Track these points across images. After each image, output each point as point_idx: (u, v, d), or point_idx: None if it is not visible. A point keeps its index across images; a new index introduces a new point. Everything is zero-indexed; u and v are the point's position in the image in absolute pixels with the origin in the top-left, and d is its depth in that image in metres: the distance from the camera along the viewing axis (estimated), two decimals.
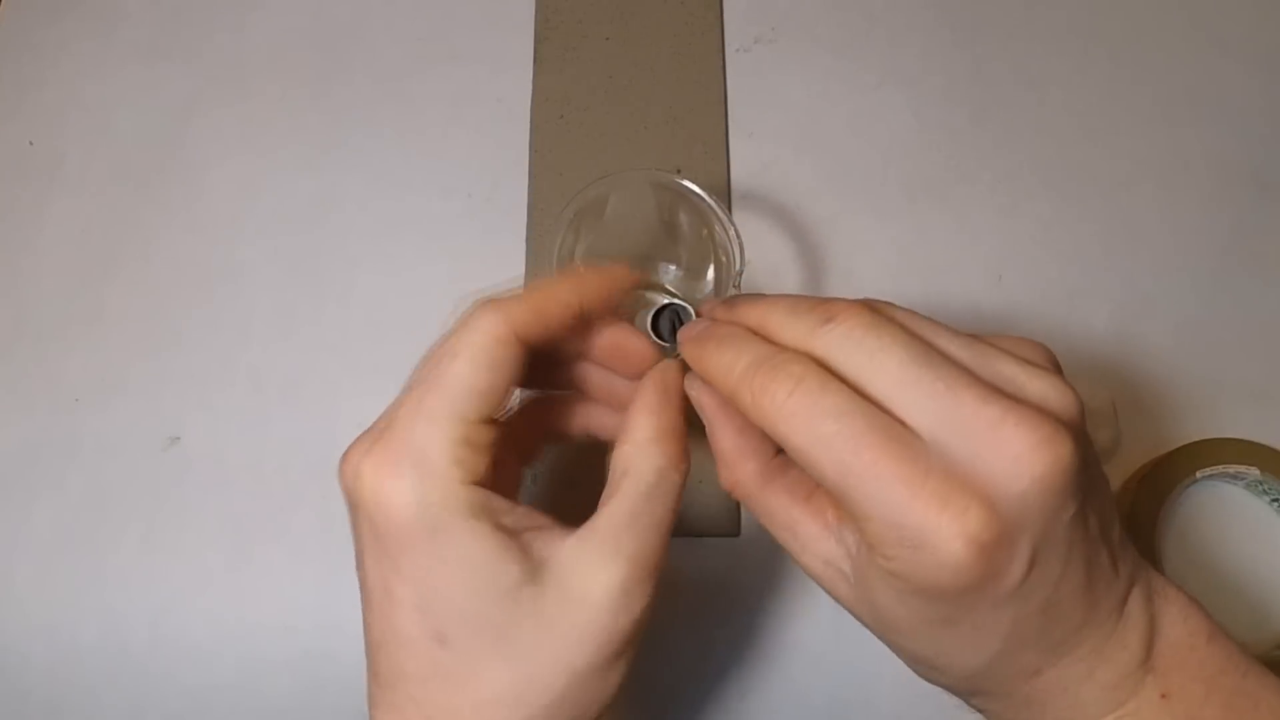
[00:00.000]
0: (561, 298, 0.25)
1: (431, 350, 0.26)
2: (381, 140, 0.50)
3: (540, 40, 0.52)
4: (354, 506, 0.24)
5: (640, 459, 0.25)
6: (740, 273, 0.33)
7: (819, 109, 0.50)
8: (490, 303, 0.25)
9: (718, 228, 0.35)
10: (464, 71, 0.52)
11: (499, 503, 0.24)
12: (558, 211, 0.34)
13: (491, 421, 0.24)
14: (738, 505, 0.42)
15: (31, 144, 0.52)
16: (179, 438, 0.45)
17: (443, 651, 0.23)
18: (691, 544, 0.42)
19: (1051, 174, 0.49)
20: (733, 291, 0.33)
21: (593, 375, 0.29)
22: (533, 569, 0.23)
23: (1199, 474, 0.41)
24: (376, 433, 0.24)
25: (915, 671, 0.25)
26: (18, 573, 0.43)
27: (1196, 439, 0.42)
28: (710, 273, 0.39)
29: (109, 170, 0.51)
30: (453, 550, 0.23)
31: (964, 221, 0.48)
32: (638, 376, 0.27)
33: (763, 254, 0.47)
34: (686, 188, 0.34)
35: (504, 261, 0.47)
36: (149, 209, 0.50)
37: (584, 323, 0.26)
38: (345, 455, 0.24)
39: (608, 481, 0.25)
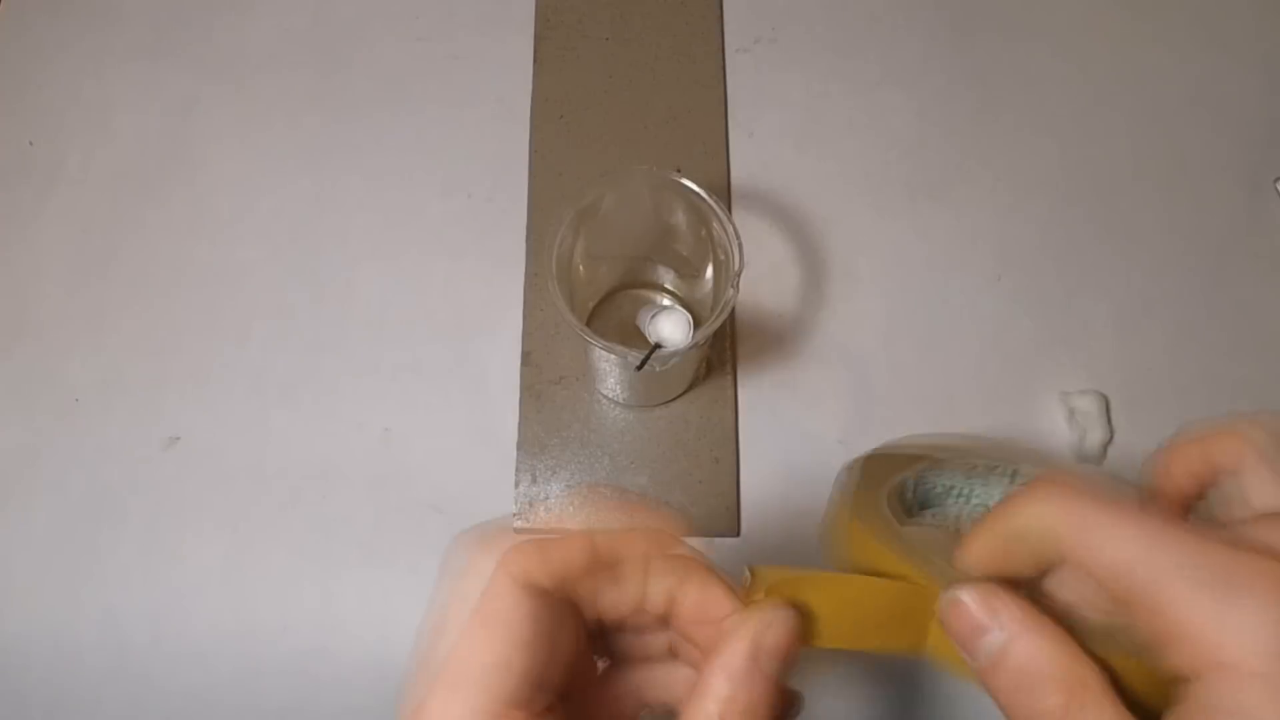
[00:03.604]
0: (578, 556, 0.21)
1: (443, 602, 0.21)
2: (381, 140, 0.50)
3: (540, 40, 0.52)
4: None
5: None
6: (739, 272, 0.33)
7: (819, 109, 0.50)
8: (503, 551, 0.20)
9: (716, 227, 0.35)
10: (464, 71, 0.52)
11: None
12: (558, 212, 0.34)
13: (539, 693, 0.19)
14: (738, 506, 0.43)
15: (31, 144, 0.52)
16: (179, 438, 0.45)
17: None
18: (691, 544, 0.42)
19: (1051, 174, 0.49)
20: (731, 293, 0.33)
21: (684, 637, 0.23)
22: None
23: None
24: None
25: None
26: (18, 573, 0.43)
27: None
28: (709, 272, 0.39)
29: (109, 170, 0.51)
30: None
31: (964, 221, 0.48)
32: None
33: (763, 254, 0.47)
34: (686, 187, 0.34)
35: (504, 261, 0.47)
36: (149, 209, 0.50)
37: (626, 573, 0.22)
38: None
39: None
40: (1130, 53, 0.52)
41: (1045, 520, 0.19)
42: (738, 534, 0.42)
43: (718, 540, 0.42)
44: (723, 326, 0.42)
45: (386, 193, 0.49)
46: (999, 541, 0.20)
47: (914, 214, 0.48)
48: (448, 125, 0.51)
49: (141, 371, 0.46)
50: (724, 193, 0.48)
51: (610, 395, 0.44)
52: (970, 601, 0.19)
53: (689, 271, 0.42)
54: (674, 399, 0.44)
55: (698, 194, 0.34)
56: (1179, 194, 0.48)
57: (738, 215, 0.48)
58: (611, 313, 0.45)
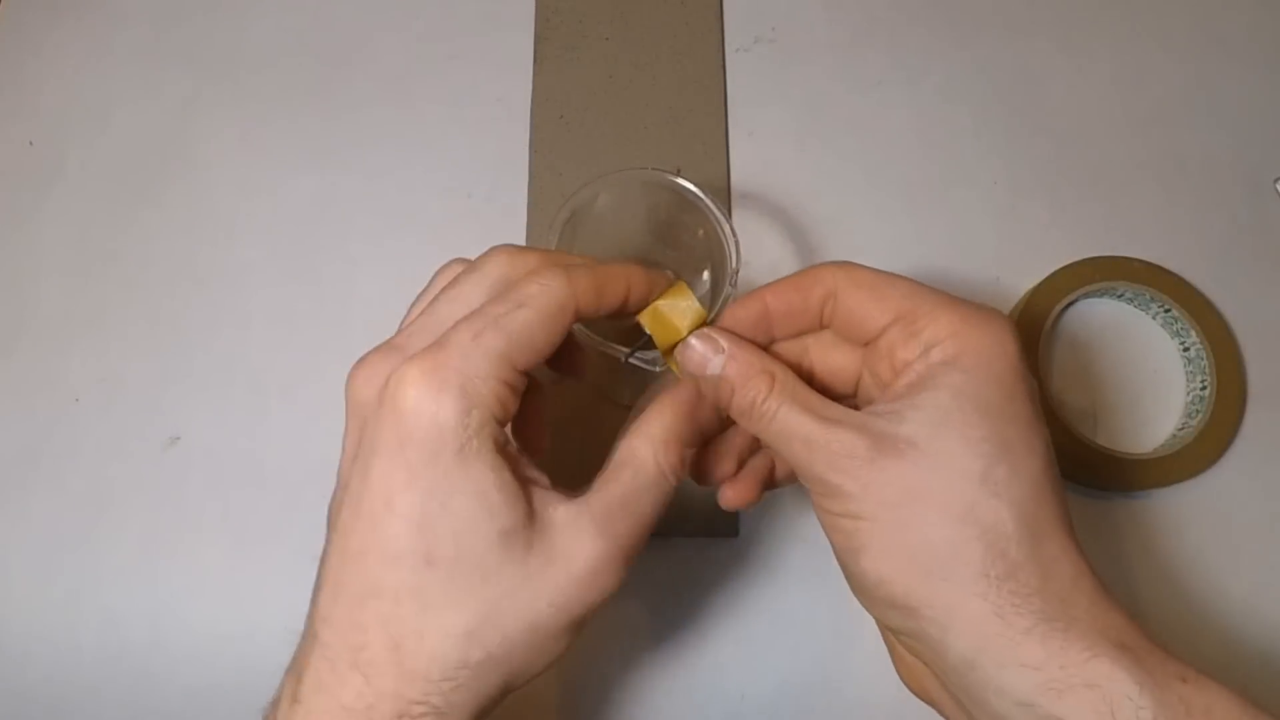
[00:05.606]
0: (618, 287, 0.27)
1: (462, 276, 0.28)
2: (381, 140, 0.50)
3: (540, 40, 0.52)
4: (384, 410, 0.24)
5: (647, 454, 0.26)
6: (736, 272, 0.33)
7: (819, 109, 0.50)
8: (564, 270, 0.26)
9: (714, 227, 0.35)
10: (464, 71, 0.52)
11: (516, 451, 0.25)
12: (556, 211, 0.34)
13: (526, 375, 0.25)
14: None
15: (31, 144, 0.52)
16: (179, 438, 0.45)
17: (428, 572, 0.24)
18: (691, 544, 0.42)
19: (1051, 174, 0.49)
20: (729, 290, 0.33)
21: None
22: (530, 518, 0.24)
23: (1080, 291, 0.45)
24: (417, 348, 0.25)
25: (872, 581, 0.25)
26: (18, 573, 0.43)
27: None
28: (706, 272, 0.39)
29: (109, 170, 0.51)
30: (472, 475, 0.24)
31: (963, 222, 0.48)
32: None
33: (762, 254, 0.47)
34: (683, 187, 0.34)
35: None
36: (149, 209, 0.50)
37: (618, 315, 0.28)
38: (366, 361, 0.27)
39: (608, 464, 0.27)
40: (1130, 53, 0.52)
41: (836, 276, 0.28)
42: (737, 534, 0.42)
43: (718, 540, 0.42)
44: None
45: (386, 193, 0.49)
46: (795, 288, 0.28)
47: (914, 214, 0.48)
48: (448, 125, 0.51)
49: (141, 371, 0.46)
50: (724, 193, 0.48)
51: (610, 395, 0.44)
52: (695, 341, 0.28)
53: (687, 271, 0.42)
54: None
55: (695, 194, 0.34)
56: (1179, 194, 0.48)
57: (738, 215, 0.48)
58: None
